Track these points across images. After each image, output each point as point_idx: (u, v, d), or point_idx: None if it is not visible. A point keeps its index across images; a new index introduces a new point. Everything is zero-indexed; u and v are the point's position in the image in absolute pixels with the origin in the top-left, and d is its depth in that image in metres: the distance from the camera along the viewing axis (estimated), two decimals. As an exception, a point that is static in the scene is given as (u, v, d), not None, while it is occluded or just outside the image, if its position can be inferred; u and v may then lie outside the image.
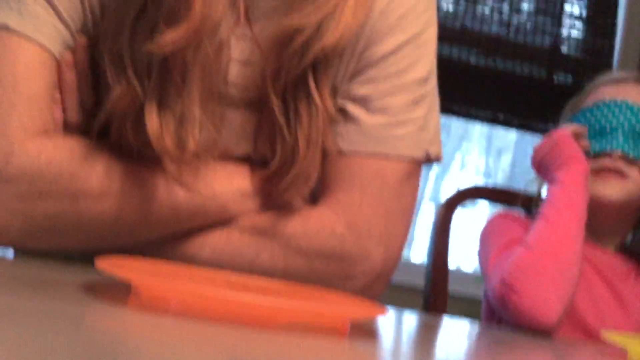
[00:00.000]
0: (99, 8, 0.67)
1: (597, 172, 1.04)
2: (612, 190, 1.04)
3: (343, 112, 0.72)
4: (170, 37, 0.61)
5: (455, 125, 2.82)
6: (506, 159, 2.78)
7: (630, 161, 1.05)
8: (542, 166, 1.06)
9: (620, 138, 1.05)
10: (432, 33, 0.76)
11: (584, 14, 1.88)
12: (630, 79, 1.12)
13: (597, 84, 1.14)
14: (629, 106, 1.06)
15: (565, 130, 1.06)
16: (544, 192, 1.11)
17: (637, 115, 1.06)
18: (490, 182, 2.61)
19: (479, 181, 2.74)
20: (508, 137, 2.65)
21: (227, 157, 0.70)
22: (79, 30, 0.67)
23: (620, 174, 1.04)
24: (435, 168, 2.84)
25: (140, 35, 0.63)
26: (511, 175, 2.64)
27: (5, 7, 0.64)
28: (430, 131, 0.74)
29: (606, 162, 1.05)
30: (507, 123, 1.84)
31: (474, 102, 1.81)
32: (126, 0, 0.64)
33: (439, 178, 2.81)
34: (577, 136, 1.06)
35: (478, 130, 2.80)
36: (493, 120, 1.84)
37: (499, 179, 2.77)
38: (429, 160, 0.75)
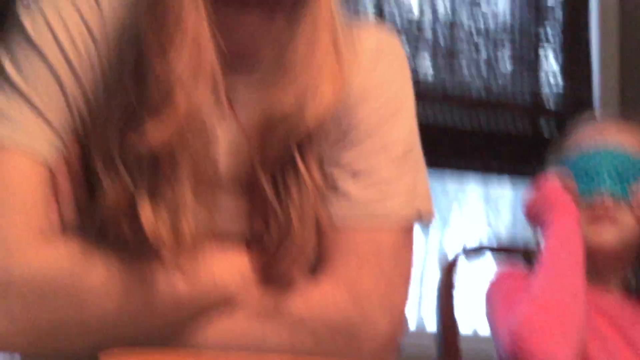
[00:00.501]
0: (86, 112, 0.70)
1: (590, 219, 1.05)
2: (607, 236, 1.05)
3: (333, 185, 0.73)
4: (156, 134, 0.63)
5: (451, 183, 2.84)
6: (505, 213, 2.79)
7: (620, 203, 1.06)
8: (534, 216, 1.07)
9: (607, 181, 1.06)
10: (410, 99, 0.79)
11: (560, 68, 1.94)
12: (609, 124, 1.15)
13: (578, 131, 1.16)
14: (609, 148, 1.08)
15: (551, 177, 1.08)
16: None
17: (618, 156, 1.07)
18: (491, 232, 2.60)
19: (481, 231, 2.73)
20: (504, 191, 2.67)
21: (223, 238, 0.71)
22: (69, 136, 0.69)
23: (612, 218, 1.05)
24: (436, 222, 2.84)
25: (128, 134, 0.65)
26: (512, 229, 2.65)
27: None
28: (420, 192, 0.76)
29: (597, 207, 1.06)
30: (499, 176, 1.86)
31: (463, 160, 1.84)
32: (113, 102, 0.67)
33: (441, 231, 2.81)
34: (563, 182, 1.07)
35: (473, 187, 2.82)
36: (485, 174, 1.87)
37: (501, 233, 2.77)
38: (421, 219, 0.76)
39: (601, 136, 1.11)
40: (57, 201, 0.68)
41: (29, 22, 0.69)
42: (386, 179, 0.73)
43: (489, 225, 2.74)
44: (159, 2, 0.65)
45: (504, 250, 1.29)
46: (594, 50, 1.92)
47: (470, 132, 1.84)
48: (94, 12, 0.70)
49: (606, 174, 1.07)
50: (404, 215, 0.73)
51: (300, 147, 0.70)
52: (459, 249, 1.31)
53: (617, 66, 1.89)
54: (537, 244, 1.13)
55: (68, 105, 0.69)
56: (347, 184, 0.73)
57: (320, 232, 0.72)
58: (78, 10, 0.70)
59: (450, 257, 1.29)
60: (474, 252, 1.31)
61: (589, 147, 1.10)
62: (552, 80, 1.93)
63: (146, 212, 0.64)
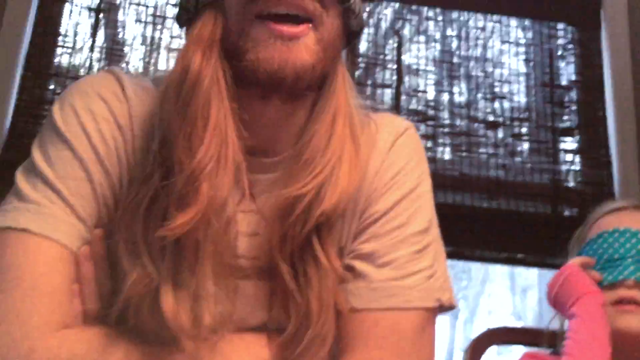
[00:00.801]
0: (112, 201, 0.72)
1: (614, 304, 1.03)
2: (632, 322, 1.03)
3: (351, 269, 0.74)
4: (180, 221, 0.65)
5: (476, 268, 2.80)
6: (532, 297, 2.73)
7: None
8: (558, 302, 1.06)
9: (631, 266, 1.05)
10: (427, 185, 0.80)
11: (578, 148, 1.95)
12: (628, 206, 1.15)
13: (598, 215, 1.16)
14: (632, 233, 1.08)
15: (573, 263, 1.07)
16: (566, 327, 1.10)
17: None
18: (520, 324, 2.54)
19: (510, 323, 2.66)
20: (530, 274, 2.62)
21: (243, 328, 0.71)
22: (95, 224, 0.71)
23: (637, 303, 1.03)
24: (463, 314, 2.78)
25: (153, 222, 0.67)
26: (540, 312, 2.59)
27: (24, 211, 0.68)
28: (440, 279, 0.75)
29: (621, 292, 1.04)
30: (525, 261, 1.84)
31: (487, 245, 1.83)
32: (139, 191, 0.69)
33: (467, 323, 2.75)
34: (585, 268, 1.06)
35: (499, 271, 2.78)
36: (511, 260, 1.85)
37: (529, 318, 2.70)
38: (443, 308, 0.75)
39: (620, 220, 1.11)
40: (80, 287, 0.69)
41: (60, 115, 0.73)
42: (404, 261, 0.73)
43: (515, 308, 2.68)
44: (186, 97, 0.68)
45: (528, 333, 1.26)
46: (610, 130, 1.94)
47: (490, 216, 1.83)
48: (123, 106, 0.73)
49: (629, 257, 1.06)
50: (423, 296, 0.73)
51: (319, 234, 0.71)
52: (484, 330, 1.29)
53: (636, 145, 1.89)
54: (562, 328, 1.11)
55: (95, 195, 0.71)
56: (365, 266, 0.73)
57: (339, 317, 0.71)
58: (107, 104, 0.73)
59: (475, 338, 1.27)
60: (498, 333, 1.29)
61: (608, 231, 1.09)
62: (571, 159, 1.94)
63: (168, 300, 0.65)
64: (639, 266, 1.05)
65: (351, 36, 0.78)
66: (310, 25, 0.68)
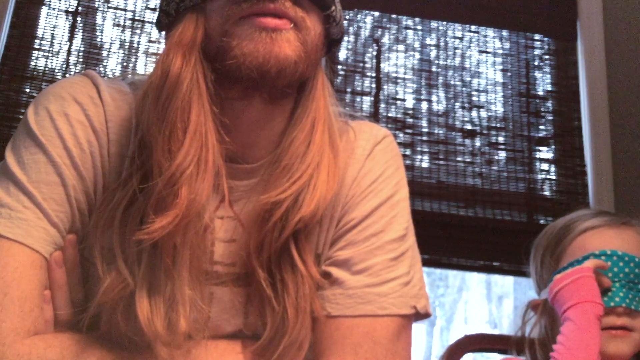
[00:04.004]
0: (86, 206, 0.71)
1: (604, 330, 1.02)
2: (621, 347, 1.02)
3: (328, 276, 0.73)
4: (159, 224, 0.64)
5: (453, 276, 2.81)
6: (508, 304, 2.75)
7: (633, 314, 1.04)
8: (558, 300, 1.04)
9: (620, 293, 1.04)
10: (404, 193, 0.80)
11: (554, 158, 1.98)
12: (611, 223, 1.12)
13: (579, 230, 1.12)
14: (619, 257, 1.06)
15: (589, 267, 1.05)
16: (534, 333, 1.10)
17: (629, 264, 1.05)
18: (496, 332, 2.56)
19: (486, 331, 2.68)
20: (506, 282, 2.64)
21: (218, 334, 0.71)
22: (68, 229, 0.70)
23: (625, 330, 1.04)
24: (440, 321, 2.79)
25: (130, 226, 0.66)
26: (515, 320, 2.61)
27: None
28: (415, 286, 0.75)
29: (611, 320, 1.04)
30: (501, 269, 1.85)
31: (464, 252, 1.84)
32: (115, 195, 0.68)
33: (444, 331, 2.76)
34: (600, 268, 1.05)
35: (476, 279, 2.79)
36: (487, 268, 1.86)
37: (504, 325, 2.71)
38: (419, 315, 0.75)
39: (604, 241, 1.08)
40: (52, 293, 0.68)
41: (34, 118, 0.72)
42: (380, 268, 0.73)
43: (490, 316, 2.70)
44: (166, 100, 0.67)
45: (504, 340, 1.27)
46: (585, 140, 1.96)
47: (467, 224, 1.85)
48: (98, 110, 0.72)
49: (617, 282, 1.04)
50: (398, 303, 0.73)
51: (297, 241, 0.71)
52: (460, 336, 1.29)
53: (610, 155, 1.92)
54: (546, 334, 1.10)
55: (69, 200, 0.70)
56: (341, 273, 0.73)
57: (315, 323, 0.71)
58: (82, 108, 0.72)
59: (452, 344, 1.27)
60: (474, 340, 1.29)
61: (595, 255, 1.06)
62: (546, 168, 1.96)
63: (143, 306, 0.64)
64: (627, 292, 1.04)
65: (331, 44, 0.78)
66: (292, 25, 0.69)
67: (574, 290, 1.03)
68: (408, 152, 1.89)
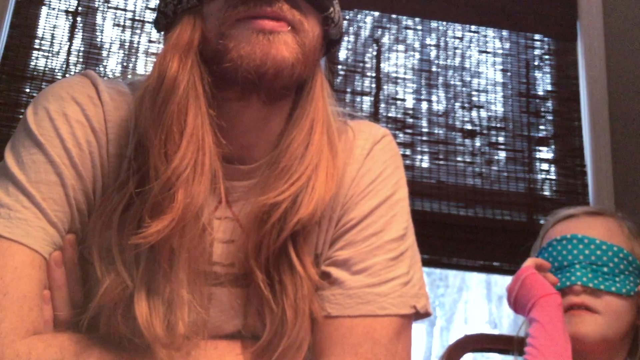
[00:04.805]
0: (85, 206, 0.71)
1: (566, 311, 1.04)
2: (587, 328, 1.04)
3: (327, 276, 0.73)
4: (155, 228, 0.64)
5: (453, 276, 2.81)
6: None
7: (596, 294, 1.05)
8: (518, 306, 1.07)
9: (578, 272, 1.06)
10: (403, 193, 0.80)
11: (554, 158, 1.98)
12: (579, 213, 1.15)
13: (549, 225, 1.17)
14: (579, 239, 1.09)
15: (528, 266, 1.08)
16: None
17: (589, 246, 1.08)
18: (495, 332, 2.56)
19: (486, 331, 2.68)
20: (506, 282, 2.64)
21: (217, 335, 0.71)
22: (67, 229, 0.70)
23: (589, 310, 1.04)
24: (440, 321, 2.79)
25: (127, 229, 0.66)
26: (515, 320, 2.61)
27: None
28: (415, 286, 0.75)
29: (569, 299, 1.05)
30: (501, 269, 1.85)
31: (464, 252, 1.84)
32: (113, 198, 0.68)
33: (444, 331, 2.76)
34: (540, 269, 1.07)
35: (476, 279, 2.79)
36: (487, 268, 1.86)
37: (504, 325, 2.71)
38: (418, 315, 0.75)
39: (569, 227, 1.11)
40: (52, 293, 0.68)
41: (33, 118, 0.71)
42: (379, 267, 0.73)
43: (490, 316, 2.70)
44: (162, 103, 0.67)
45: (503, 340, 1.27)
46: (585, 140, 1.96)
47: (467, 224, 1.85)
48: (97, 110, 0.72)
49: (577, 264, 1.07)
50: (398, 303, 0.73)
51: (295, 242, 0.70)
52: (460, 336, 1.30)
53: (610, 155, 1.92)
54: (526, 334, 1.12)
55: (68, 200, 0.70)
56: (340, 273, 0.73)
57: (314, 324, 0.71)
58: (81, 108, 0.72)
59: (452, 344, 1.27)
60: (474, 340, 1.29)
61: (557, 239, 1.10)
62: (546, 168, 1.96)
63: (142, 308, 0.64)
64: (585, 271, 1.06)
65: (330, 44, 0.78)
66: (290, 28, 0.69)
67: (525, 292, 1.05)
68: (408, 152, 1.89)
